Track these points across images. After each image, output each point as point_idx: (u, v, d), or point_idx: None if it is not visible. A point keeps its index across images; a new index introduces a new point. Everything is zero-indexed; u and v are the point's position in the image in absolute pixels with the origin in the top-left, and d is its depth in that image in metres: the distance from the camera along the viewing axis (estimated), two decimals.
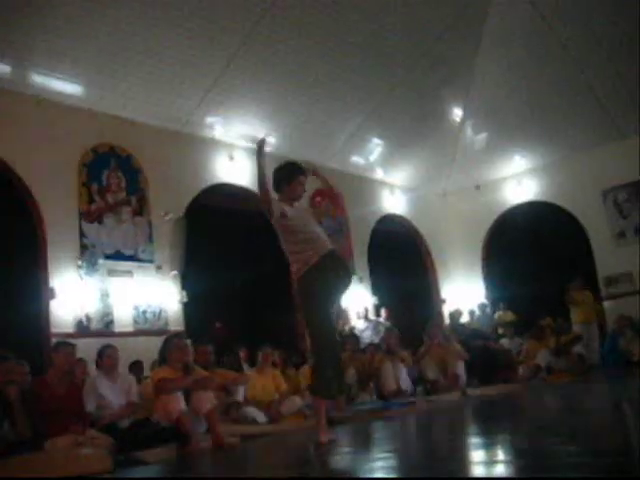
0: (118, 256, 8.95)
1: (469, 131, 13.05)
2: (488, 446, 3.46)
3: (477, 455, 3.27)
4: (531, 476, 2.67)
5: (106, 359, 6.19)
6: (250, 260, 14.75)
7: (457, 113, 12.53)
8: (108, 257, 8.82)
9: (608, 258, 13.15)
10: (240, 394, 6.62)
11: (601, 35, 10.40)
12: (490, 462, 3.07)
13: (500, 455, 3.17)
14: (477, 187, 14.56)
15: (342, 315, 11.64)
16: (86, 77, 8.71)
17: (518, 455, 3.00)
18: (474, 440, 3.52)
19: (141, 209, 9.40)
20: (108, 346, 6.36)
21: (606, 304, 12.97)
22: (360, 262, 12.70)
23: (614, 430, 3.91)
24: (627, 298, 12.70)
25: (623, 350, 10.95)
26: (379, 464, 3.43)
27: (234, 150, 10.81)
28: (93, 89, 8.88)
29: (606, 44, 10.57)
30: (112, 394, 6.01)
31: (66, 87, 8.65)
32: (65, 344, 5.65)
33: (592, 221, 13.44)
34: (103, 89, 8.93)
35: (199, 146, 10.40)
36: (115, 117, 9.29)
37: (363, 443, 5.15)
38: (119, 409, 5.94)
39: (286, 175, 4.63)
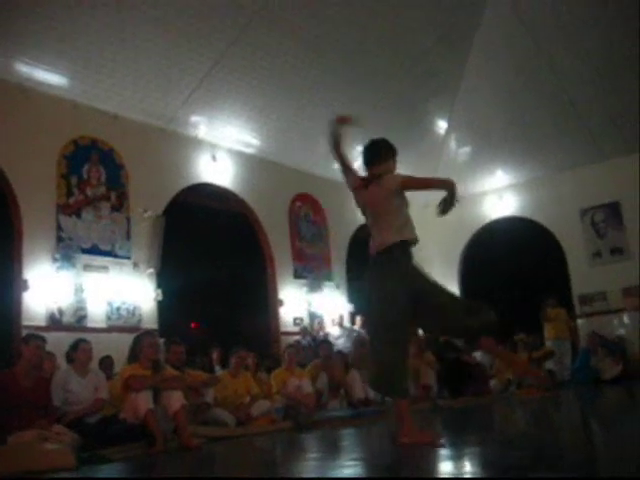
0: (94, 251, 8.87)
1: (453, 144, 13.13)
2: (454, 458, 3.47)
3: (443, 466, 3.27)
4: None
5: (80, 353, 6.10)
6: (228, 261, 14.74)
7: (442, 125, 12.60)
8: (84, 251, 8.75)
9: (583, 277, 13.28)
10: (210, 395, 6.57)
11: (588, 57, 10.52)
12: (455, 473, 3.08)
13: (465, 467, 3.17)
14: (458, 200, 14.61)
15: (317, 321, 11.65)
16: (72, 69, 8.65)
17: (483, 467, 3.01)
18: (441, 451, 3.53)
19: (120, 205, 9.33)
20: (83, 340, 6.28)
21: (580, 322, 13.09)
22: (338, 269, 12.71)
23: (579, 446, 3.95)
24: (600, 317, 12.86)
25: (594, 368, 11.06)
26: (346, 471, 3.42)
27: (217, 150, 10.79)
28: (78, 81, 8.82)
29: (592, 66, 10.69)
30: (81, 390, 5.93)
31: (51, 78, 8.59)
32: (36, 337, 5.57)
33: (569, 239, 13.57)
34: (88, 82, 8.87)
35: (182, 144, 10.35)
36: (99, 110, 9.23)
37: (331, 450, 5.15)
38: (87, 405, 5.87)
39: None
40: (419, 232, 4.37)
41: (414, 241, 4.18)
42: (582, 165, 13.22)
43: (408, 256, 4.14)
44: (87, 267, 8.74)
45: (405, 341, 4.02)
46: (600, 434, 4.63)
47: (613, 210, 13.07)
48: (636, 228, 12.70)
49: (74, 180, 8.85)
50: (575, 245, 13.47)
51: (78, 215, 8.78)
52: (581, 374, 11.14)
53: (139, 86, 9.18)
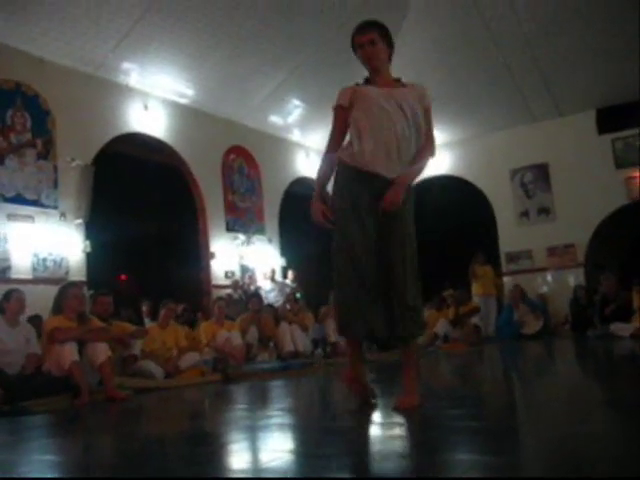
0: (19, 200, 8.56)
1: None
2: (379, 407, 3.56)
3: (367, 414, 3.35)
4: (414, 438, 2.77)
5: (13, 303, 5.88)
6: (159, 213, 14.51)
7: None
8: (8, 200, 8.43)
9: (511, 235, 13.67)
10: (137, 348, 6.51)
11: (523, 19, 10.59)
12: (379, 419, 3.16)
13: (389, 416, 3.26)
14: None
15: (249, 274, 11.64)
16: None
17: (406, 417, 3.09)
18: (370, 401, 3.62)
19: (47, 153, 9.00)
20: (16, 290, 6.10)
21: (506, 279, 13.49)
22: (271, 223, 12.68)
23: (498, 396, 4.10)
24: (525, 275, 13.29)
25: (516, 323, 11.44)
26: (273, 421, 3.47)
27: (149, 99, 10.50)
28: (0, 20, 8.35)
29: (527, 28, 10.78)
30: (10, 340, 5.70)
31: None
32: None
33: (499, 199, 13.90)
34: (11, 20, 8.39)
35: (113, 92, 10.02)
36: (24, 53, 8.81)
37: (258, 401, 5.20)
38: (22, 362, 5.65)
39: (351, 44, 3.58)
40: None
41: None
42: (513, 126, 13.51)
43: None
44: (11, 216, 8.44)
45: None
46: (518, 385, 4.81)
47: (542, 171, 13.43)
48: (562, 190, 13.11)
49: None
50: (504, 204, 13.81)
51: (1, 162, 8.44)
52: (505, 329, 11.52)
53: (66, 27, 8.75)
